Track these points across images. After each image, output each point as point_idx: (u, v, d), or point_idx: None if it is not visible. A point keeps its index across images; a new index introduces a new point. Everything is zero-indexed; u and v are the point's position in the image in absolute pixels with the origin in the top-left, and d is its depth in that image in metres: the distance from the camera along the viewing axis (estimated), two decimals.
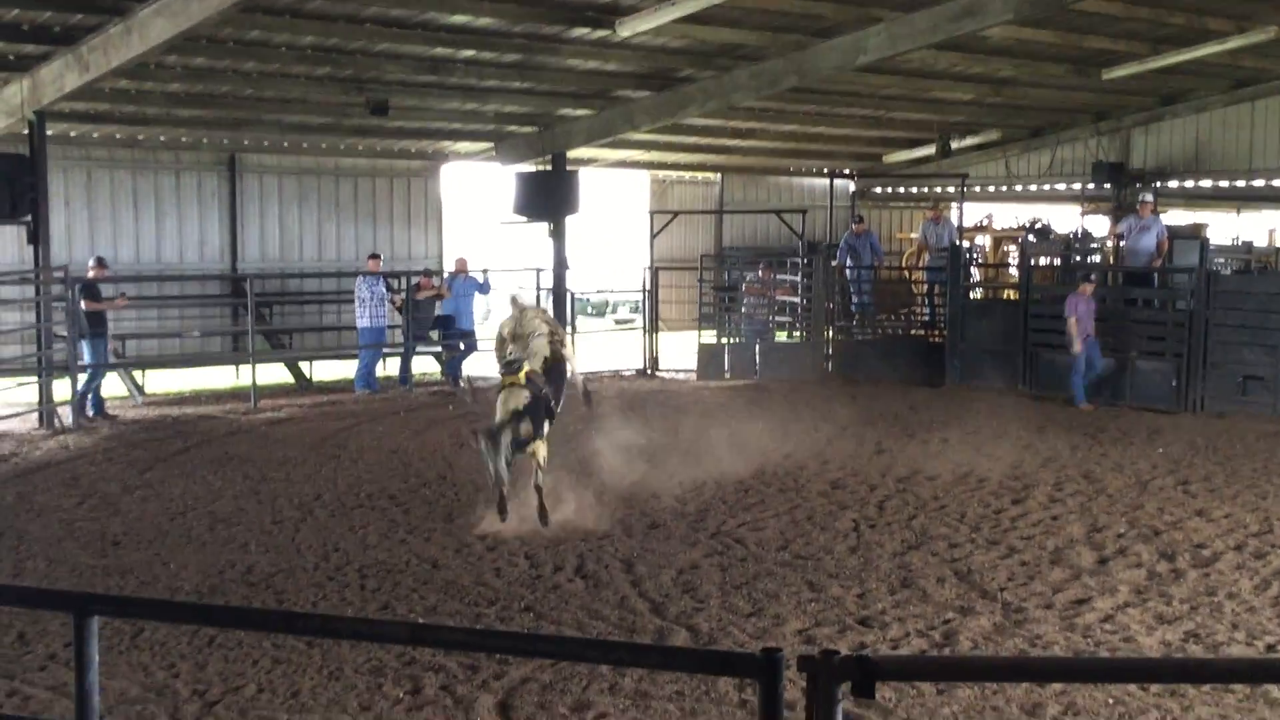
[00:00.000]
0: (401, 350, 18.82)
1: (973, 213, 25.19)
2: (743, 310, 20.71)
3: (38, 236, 15.00)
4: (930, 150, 24.05)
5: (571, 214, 19.99)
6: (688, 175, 25.96)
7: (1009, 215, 25.92)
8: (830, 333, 19.94)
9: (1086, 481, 11.84)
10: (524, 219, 20.13)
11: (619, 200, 30.05)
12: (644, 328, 21.07)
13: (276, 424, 15.32)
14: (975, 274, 21.47)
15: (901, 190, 26.95)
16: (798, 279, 20.14)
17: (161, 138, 18.91)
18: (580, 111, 19.18)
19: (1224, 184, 22.44)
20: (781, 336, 21.06)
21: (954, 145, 23.80)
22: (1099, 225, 22.82)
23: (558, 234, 20.26)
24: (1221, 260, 19.35)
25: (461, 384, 17.54)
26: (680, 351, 20.78)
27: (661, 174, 25.51)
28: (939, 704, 6.54)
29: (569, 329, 19.06)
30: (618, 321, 29.80)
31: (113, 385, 17.15)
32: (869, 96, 20.63)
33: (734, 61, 16.95)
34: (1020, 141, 24.50)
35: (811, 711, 3.59)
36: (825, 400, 16.70)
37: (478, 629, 7.41)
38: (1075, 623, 7.84)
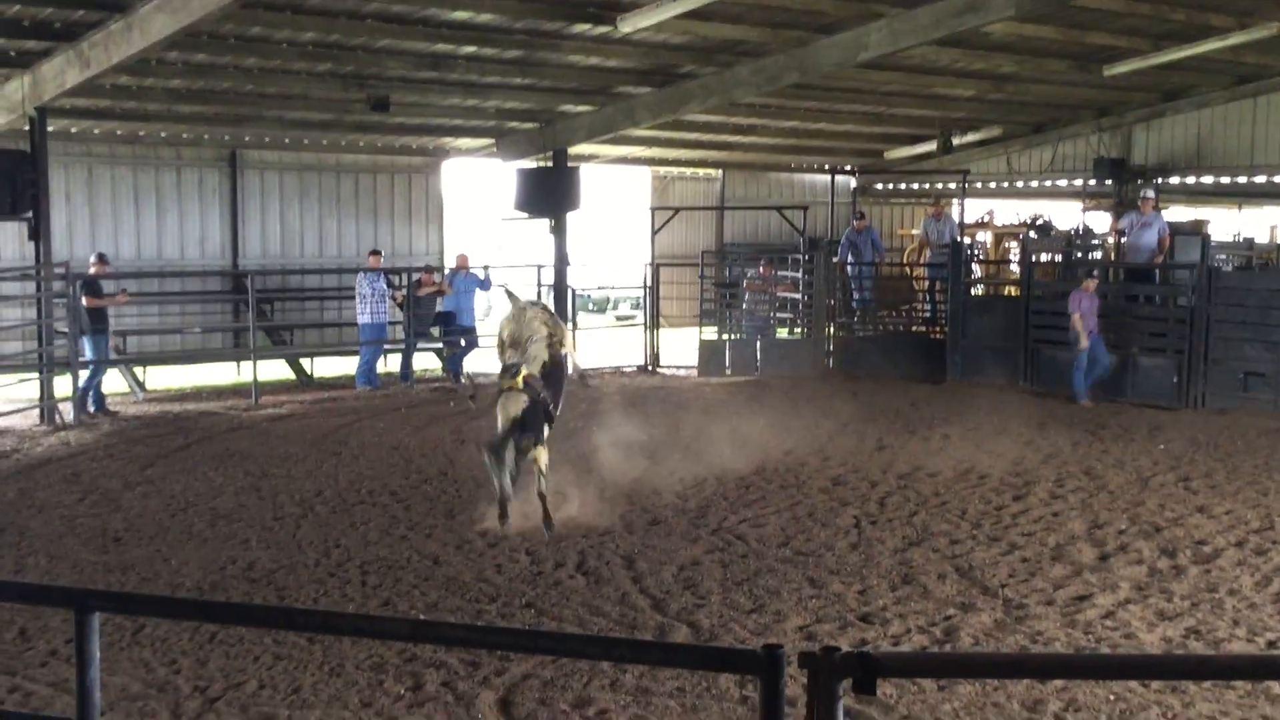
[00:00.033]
0: (402, 347, 18.82)
1: (974, 209, 25.14)
2: (744, 306, 20.67)
3: (39, 233, 15.01)
4: (932, 146, 24.05)
5: (572, 210, 20.01)
6: (689, 171, 25.97)
7: (1010, 211, 25.87)
8: (831, 329, 19.92)
9: (1088, 478, 11.85)
10: (525, 215, 20.14)
11: (620, 196, 30.12)
12: (645, 324, 21.07)
13: (277, 420, 15.32)
14: (976, 270, 21.44)
15: (903, 186, 26.95)
16: (799, 275, 20.12)
17: (162, 134, 18.92)
18: (581, 108, 19.17)
19: (1225, 180, 22.39)
20: (783, 333, 21.02)
21: (955, 141, 23.76)
22: (1100, 221, 22.76)
23: (559, 230, 20.26)
24: (1223, 256, 19.35)
25: (463, 380, 17.57)
26: (681, 348, 20.77)
27: (663, 170, 25.51)
28: (940, 700, 6.54)
29: (570, 325, 19.04)
30: (619, 318, 29.84)
31: (114, 381, 17.14)
32: (870, 93, 20.60)
33: (735, 58, 16.92)
34: (1022, 138, 24.46)
35: (813, 708, 3.59)
36: (826, 397, 16.70)
37: (479, 625, 7.41)
38: (1076, 619, 7.85)
